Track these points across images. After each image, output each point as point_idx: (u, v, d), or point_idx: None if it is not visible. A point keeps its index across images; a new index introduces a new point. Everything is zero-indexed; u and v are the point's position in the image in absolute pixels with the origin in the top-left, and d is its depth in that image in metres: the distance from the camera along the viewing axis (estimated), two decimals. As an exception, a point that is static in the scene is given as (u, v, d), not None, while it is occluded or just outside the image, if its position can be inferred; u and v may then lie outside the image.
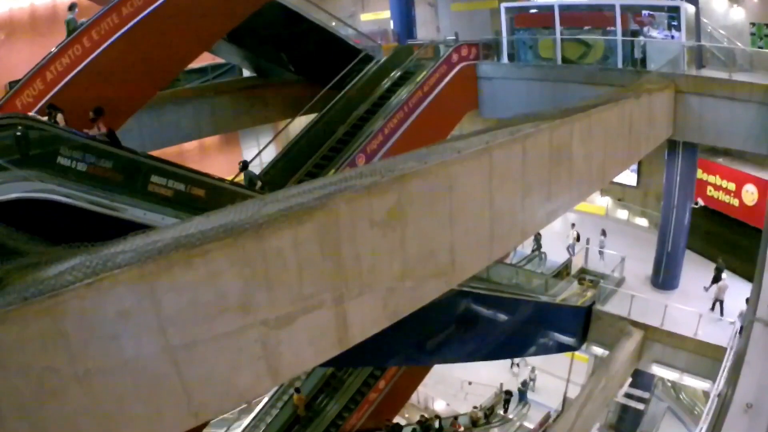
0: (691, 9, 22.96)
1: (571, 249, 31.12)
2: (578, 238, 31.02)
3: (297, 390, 26.71)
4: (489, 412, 34.53)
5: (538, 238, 31.17)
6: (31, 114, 14.68)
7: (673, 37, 22.62)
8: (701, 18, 24.24)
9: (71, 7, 18.50)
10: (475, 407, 35.05)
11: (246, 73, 33.79)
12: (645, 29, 23.39)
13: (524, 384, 37.12)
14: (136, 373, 6.34)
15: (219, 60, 32.99)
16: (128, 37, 18.04)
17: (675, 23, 22.51)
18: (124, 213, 12.77)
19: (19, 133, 12.31)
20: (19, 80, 17.16)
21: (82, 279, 5.78)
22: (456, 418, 30.94)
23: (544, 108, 16.80)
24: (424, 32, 40.68)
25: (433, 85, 24.56)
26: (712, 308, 24.68)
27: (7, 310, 5.38)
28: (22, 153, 12.30)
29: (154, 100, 22.03)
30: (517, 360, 39.28)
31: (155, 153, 16.54)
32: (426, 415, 31.11)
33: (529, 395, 37.51)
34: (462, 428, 30.22)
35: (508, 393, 36.84)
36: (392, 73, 27.14)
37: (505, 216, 11.18)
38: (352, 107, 25.25)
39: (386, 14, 41.33)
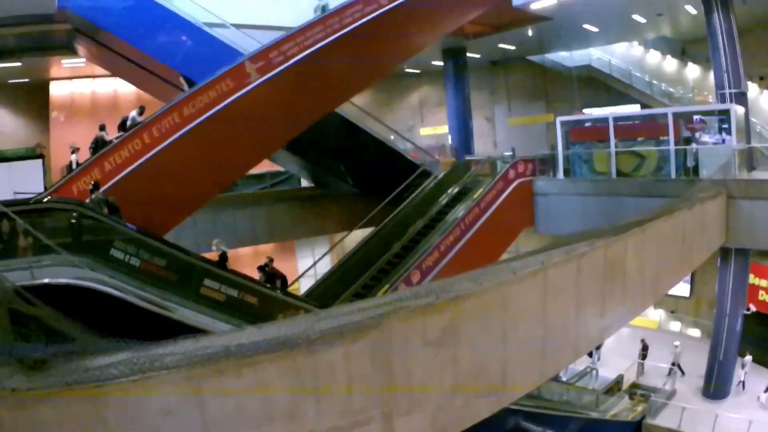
0: (740, 111, 23.18)
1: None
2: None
3: None
4: None
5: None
6: (87, 202, 14.92)
7: (724, 140, 22.54)
8: (750, 118, 24.27)
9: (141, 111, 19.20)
10: None
11: (304, 183, 34.30)
12: (697, 135, 23.37)
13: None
14: (176, 471, 6.23)
15: (278, 167, 33.56)
16: (188, 137, 18.43)
17: (725, 126, 22.52)
18: (174, 313, 12.80)
19: (74, 221, 12.54)
20: (79, 165, 17.63)
21: (128, 375, 5.77)
22: None
23: (599, 226, 16.64)
24: (480, 145, 41.29)
25: (490, 202, 24.58)
26: None
27: (48, 391, 5.39)
28: (75, 239, 12.49)
29: (211, 201, 22.40)
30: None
31: (209, 255, 16.68)
32: None
33: None
34: None
35: None
36: (450, 190, 27.34)
37: (557, 334, 10.99)
38: (409, 223, 25.34)
39: (444, 128, 42.22)
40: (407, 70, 45.92)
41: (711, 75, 27.01)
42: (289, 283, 22.79)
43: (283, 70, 20.62)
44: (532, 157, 27.02)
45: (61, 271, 11.39)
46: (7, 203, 11.47)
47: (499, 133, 47.51)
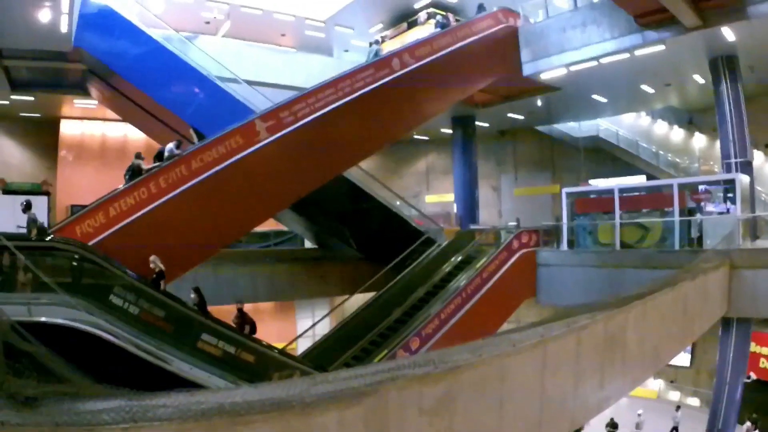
0: (745, 180, 23.19)
1: None
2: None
3: None
4: None
5: None
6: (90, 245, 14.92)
7: (728, 210, 22.52)
8: (756, 187, 24.33)
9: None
10: None
11: (308, 244, 34.31)
12: (702, 204, 23.41)
13: None
14: None
15: (282, 227, 33.60)
16: (195, 191, 18.49)
17: (730, 195, 22.52)
18: (169, 364, 12.75)
19: (75, 263, 12.54)
20: (83, 206, 17.77)
21: (119, 422, 5.69)
22: None
23: (602, 297, 16.58)
24: (486, 214, 41.33)
25: (493, 272, 24.46)
26: None
27: (37, 429, 5.32)
28: (75, 281, 12.48)
29: (214, 256, 22.41)
30: None
31: (209, 309, 16.61)
32: None
33: None
34: None
35: None
36: (453, 258, 27.31)
37: (555, 405, 10.87)
38: (410, 289, 25.28)
39: (450, 197, 42.22)
40: (416, 136, 46.25)
41: (717, 144, 27.20)
42: (287, 343, 22.72)
43: (293, 130, 20.78)
44: (536, 228, 27.04)
45: (58, 311, 11.41)
46: (10, 236, 11.48)
47: (505, 202, 47.56)
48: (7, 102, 29.73)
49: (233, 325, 16.55)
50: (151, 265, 15.70)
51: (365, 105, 22.71)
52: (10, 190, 27.32)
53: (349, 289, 28.26)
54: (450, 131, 41.02)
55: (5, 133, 34.48)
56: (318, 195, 22.98)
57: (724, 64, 25.45)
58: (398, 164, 49.46)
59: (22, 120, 34.73)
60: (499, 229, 30.51)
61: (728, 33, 23.16)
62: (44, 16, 19.90)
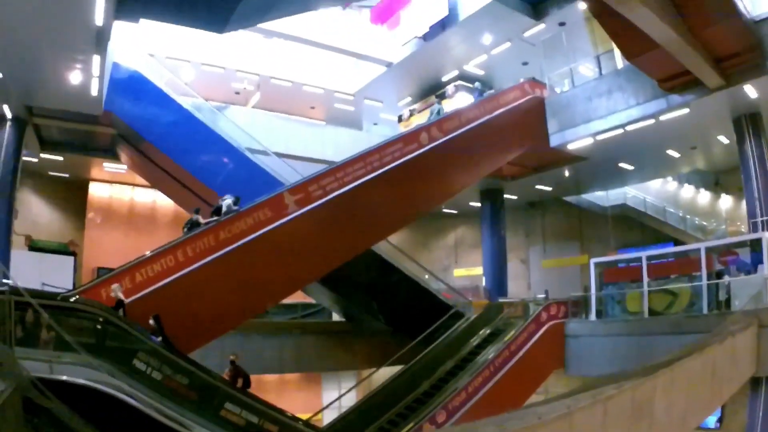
0: (771, 236, 22.83)
1: None
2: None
3: None
4: None
5: None
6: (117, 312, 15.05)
7: (756, 269, 22.15)
8: None
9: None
10: None
11: (335, 317, 34.23)
12: (729, 266, 23.12)
13: None
14: None
15: (309, 299, 33.58)
16: (222, 261, 18.59)
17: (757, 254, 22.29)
18: (191, 430, 12.72)
19: (99, 326, 12.68)
20: (109, 269, 17.94)
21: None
22: None
23: (630, 366, 16.37)
24: (514, 286, 41.06)
25: (521, 345, 24.30)
26: None
27: None
28: (98, 343, 12.57)
29: (241, 325, 22.47)
30: None
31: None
32: None
33: None
34: None
35: None
36: (481, 331, 27.03)
37: (578, 481, 10.68)
38: (438, 362, 24.98)
39: (479, 270, 42.06)
40: (444, 210, 46.34)
41: (744, 204, 26.90)
42: (312, 414, 22.52)
43: (322, 204, 20.97)
44: (564, 299, 26.93)
45: (79, 371, 11.46)
46: (34, 294, 11.64)
47: (534, 274, 47.27)
48: (36, 160, 30.03)
49: (226, 378, 16.53)
50: (112, 294, 15.76)
51: (394, 179, 22.88)
52: (36, 247, 27.61)
53: (377, 362, 28.04)
54: (478, 204, 41.00)
55: (34, 191, 34.61)
56: (346, 268, 22.96)
57: (747, 122, 25.48)
58: (427, 238, 49.56)
59: (51, 179, 34.99)
60: (527, 301, 30.35)
61: (750, 90, 23.29)
62: (75, 77, 20.28)
